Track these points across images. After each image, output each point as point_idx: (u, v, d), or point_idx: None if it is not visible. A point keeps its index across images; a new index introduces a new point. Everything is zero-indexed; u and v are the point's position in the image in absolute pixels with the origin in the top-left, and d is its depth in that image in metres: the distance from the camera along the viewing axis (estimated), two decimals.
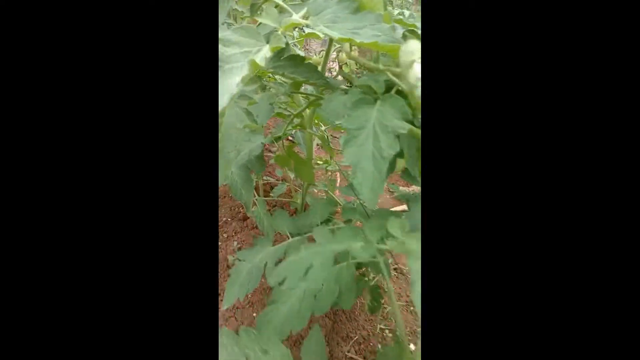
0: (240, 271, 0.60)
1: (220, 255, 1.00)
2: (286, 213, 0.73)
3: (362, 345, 0.78)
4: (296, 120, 0.68)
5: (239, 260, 0.62)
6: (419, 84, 0.30)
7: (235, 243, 1.04)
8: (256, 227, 1.06)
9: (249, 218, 1.07)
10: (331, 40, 0.46)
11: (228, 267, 0.99)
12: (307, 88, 0.59)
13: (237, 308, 0.87)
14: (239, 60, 0.33)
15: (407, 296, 0.94)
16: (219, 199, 1.11)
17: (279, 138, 0.71)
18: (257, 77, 0.52)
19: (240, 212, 1.08)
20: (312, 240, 0.49)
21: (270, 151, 1.26)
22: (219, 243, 1.03)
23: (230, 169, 0.61)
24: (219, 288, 0.96)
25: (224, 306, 0.57)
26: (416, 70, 0.30)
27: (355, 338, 0.79)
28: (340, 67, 0.74)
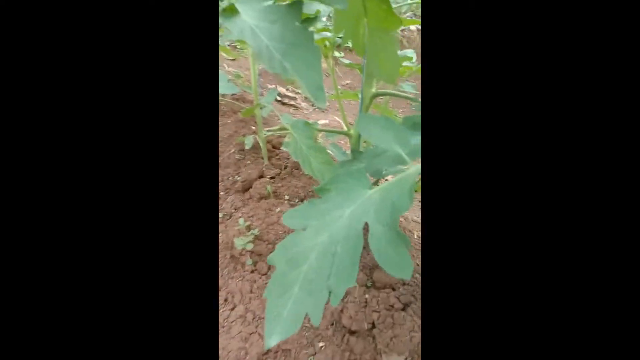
0: (299, 253, 0.28)
1: (221, 240, 0.73)
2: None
3: None
4: None
5: (294, 229, 0.30)
6: None
7: (242, 220, 0.75)
8: (264, 198, 0.75)
9: (250, 188, 0.76)
10: None
11: (233, 257, 0.72)
12: None
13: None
14: None
15: None
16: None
17: None
18: None
19: (236, 181, 0.76)
20: None
21: None
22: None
23: None
24: (225, 290, 0.71)
25: (268, 342, 0.26)
26: None
27: None
28: None
